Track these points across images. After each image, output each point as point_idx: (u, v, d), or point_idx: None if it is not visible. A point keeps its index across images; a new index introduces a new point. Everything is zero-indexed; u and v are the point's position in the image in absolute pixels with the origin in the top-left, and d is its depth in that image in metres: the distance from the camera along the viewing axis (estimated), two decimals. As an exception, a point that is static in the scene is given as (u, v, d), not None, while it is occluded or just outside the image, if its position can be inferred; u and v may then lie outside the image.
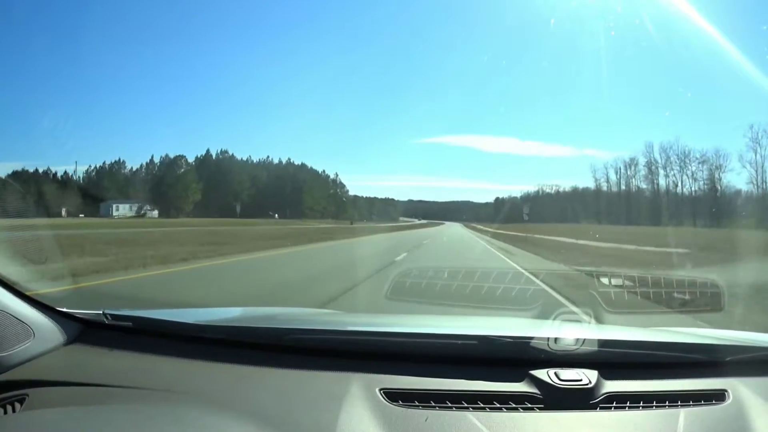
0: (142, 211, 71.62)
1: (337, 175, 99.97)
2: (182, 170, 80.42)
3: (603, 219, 74.53)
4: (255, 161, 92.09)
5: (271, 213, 79.21)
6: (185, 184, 77.54)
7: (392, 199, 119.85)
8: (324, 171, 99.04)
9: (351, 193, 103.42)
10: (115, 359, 1.83)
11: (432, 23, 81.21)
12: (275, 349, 1.83)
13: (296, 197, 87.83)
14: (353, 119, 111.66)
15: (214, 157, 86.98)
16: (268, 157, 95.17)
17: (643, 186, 77.75)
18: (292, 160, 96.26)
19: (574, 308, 5.58)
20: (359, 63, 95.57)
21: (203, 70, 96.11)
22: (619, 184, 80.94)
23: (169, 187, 75.69)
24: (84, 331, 1.96)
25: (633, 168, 78.40)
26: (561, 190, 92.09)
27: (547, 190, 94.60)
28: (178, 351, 1.83)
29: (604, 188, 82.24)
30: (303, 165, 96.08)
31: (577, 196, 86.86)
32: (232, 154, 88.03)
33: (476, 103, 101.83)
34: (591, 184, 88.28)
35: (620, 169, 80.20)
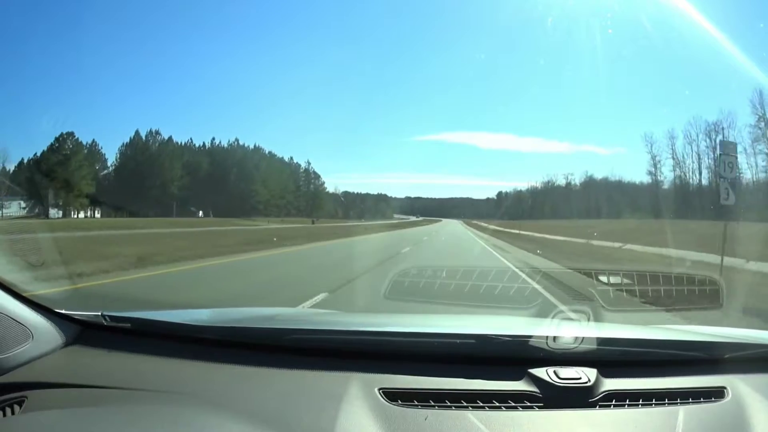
0: (36, 210, 53.97)
1: (309, 164, 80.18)
2: (67, 154, 56.28)
3: (665, 213, 48.20)
4: (197, 146, 71.17)
5: (193, 209, 65.00)
6: (68, 173, 54.61)
7: (385, 195, 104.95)
8: (292, 158, 79.47)
9: (341, 189, 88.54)
10: (113, 361, 1.82)
11: (428, 19, 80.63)
12: (274, 349, 1.83)
13: (244, 189, 69.21)
14: (348, 117, 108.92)
15: (144, 139, 66.77)
16: (213, 139, 73.20)
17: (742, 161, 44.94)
18: (241, 142, 73.94)
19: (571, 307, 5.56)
20: (353, 61, 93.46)
21: (196, 66, 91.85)
22: (698, 161, 52.99)
23: (44, 176, 53.35)
24: (82, 332, 1.96)
25: (722, 133, 48.37)
26: (584, 179, 72.81)
27: (560, 182, 77.61)
28: (176, 352, 1.83)
29: (666, 171, 56.91)
30: (258, 149, 75.26)
31: (610, 186, 64.60)
32: (170, 137, 68.28)
33: (473, 99, 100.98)
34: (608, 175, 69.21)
35: (698, 137, 52.43)
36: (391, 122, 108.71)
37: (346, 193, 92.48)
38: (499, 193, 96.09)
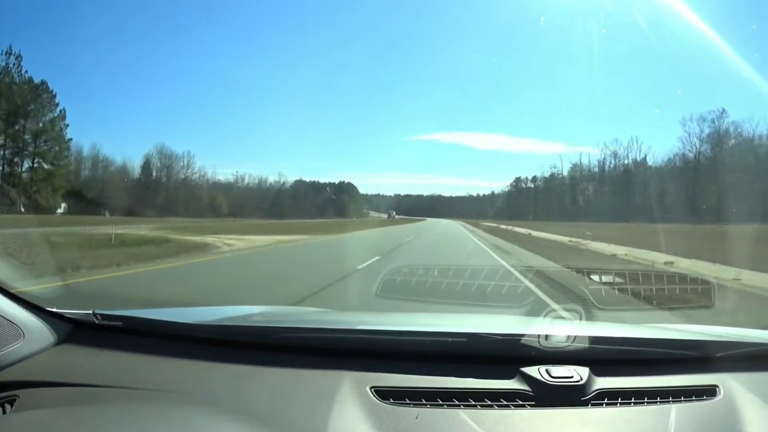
0: None
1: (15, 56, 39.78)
2: None
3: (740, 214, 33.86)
4: None
5: None
6: None
7: (352, 185, 79.42)
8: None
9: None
10: (105, 359, 1.81)
11: (421, 20, 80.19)
12: (267, 347, 1.82)
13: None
14: (340, 117, 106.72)
15: None
16: None
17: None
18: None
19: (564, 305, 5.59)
20: (346, 61, 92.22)
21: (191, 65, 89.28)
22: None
23: None
24: (74, 331, 1.94)
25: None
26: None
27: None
28: (168, 350, 1.82)
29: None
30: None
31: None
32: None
33: (467, 100, 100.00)
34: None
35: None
36: (383, 122, 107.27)
37: (299, 182, 65.93)
38: (517, 179, 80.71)
